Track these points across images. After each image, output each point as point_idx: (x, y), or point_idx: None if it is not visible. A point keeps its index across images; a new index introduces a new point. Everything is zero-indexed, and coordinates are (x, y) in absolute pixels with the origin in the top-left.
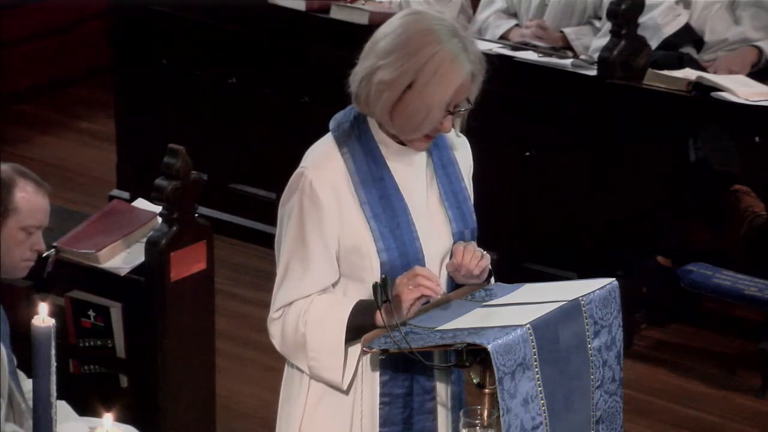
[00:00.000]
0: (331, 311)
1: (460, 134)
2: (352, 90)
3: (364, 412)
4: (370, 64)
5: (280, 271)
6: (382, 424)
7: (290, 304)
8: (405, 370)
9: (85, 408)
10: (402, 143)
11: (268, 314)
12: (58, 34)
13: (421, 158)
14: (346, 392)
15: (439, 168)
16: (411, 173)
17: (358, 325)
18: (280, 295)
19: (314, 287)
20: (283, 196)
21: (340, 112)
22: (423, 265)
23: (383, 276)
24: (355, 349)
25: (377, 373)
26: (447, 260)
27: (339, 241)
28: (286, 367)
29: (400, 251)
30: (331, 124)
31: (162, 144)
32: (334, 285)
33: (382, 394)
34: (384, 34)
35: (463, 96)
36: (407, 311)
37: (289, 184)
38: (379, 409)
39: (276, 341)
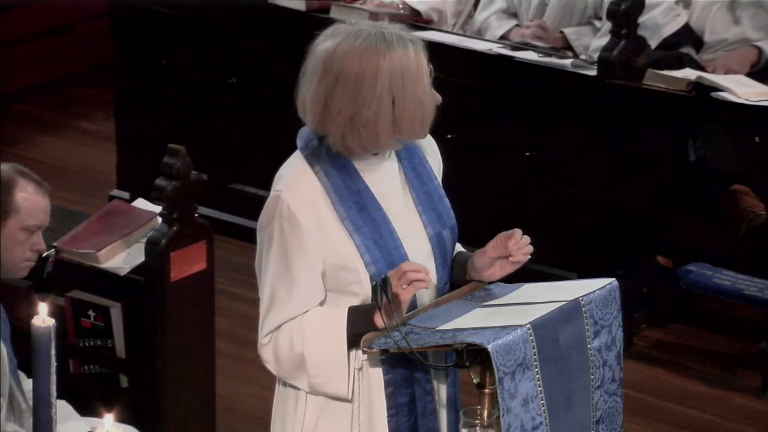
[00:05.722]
0: (326, 325)
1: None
2: (336, 146)
3: (362, 425)
4: (345, 113)
5: (264, 297)
6: None
7: (278, 327)
8: (406, 377)
9: (85, 408)
10: (374, 153)
11: (258, 341)
12: (58, 33)
13: (392, 165)
14: (346, 405)
15: (410, 171)
16: (385, 181)
17: (358, 332)
18: (267, 321)
19: (301, 309)
20: (261, 220)
21: (305, 128)
22: None
23: (383, 276)
24: (353, 356)
25: (375, 384)
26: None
27: (324, 260)
28: (277, 386)
29: (387, 262)
30: (299, 142)
31: (162, 144)
32: (321, 303)
33: (389, 407)
34: (331, 84)
35: (429, 66)
36: (406, 311)
37: (265, 207)
38: (388, 421)
39: (271, 366)
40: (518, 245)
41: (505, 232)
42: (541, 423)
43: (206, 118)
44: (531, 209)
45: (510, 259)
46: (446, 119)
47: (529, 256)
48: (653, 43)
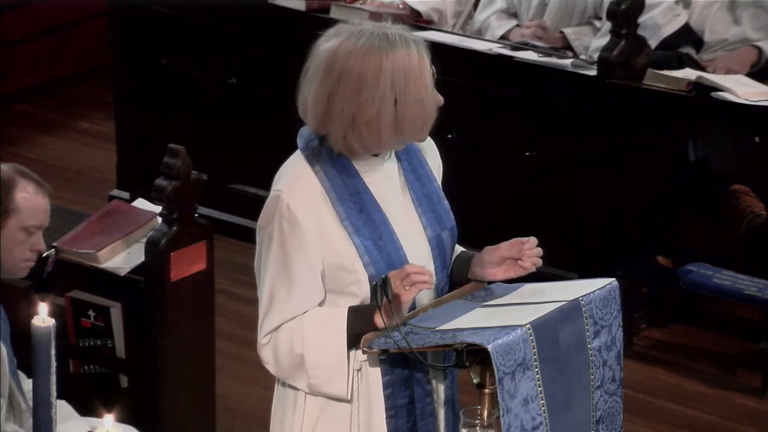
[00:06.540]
0: (326, 325)
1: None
2: (338, 146)
3: (361, 426)
4: (347, 112)
5: (264, 297)
6: None
7: (278, 327)
8: (405, 379)
9: (85, 408)
10: (374, 154)
11: (257, 341)
12: (58, 34)
13: (392, 166)
14: (345, 406)
15: (410, 173)
16: (384, 182)
17: (358, 332)
18: (267, 321)
19: (300, 309)
20: (260, 220)
21: (305, 128)
22: None
23: (383, 276)
24: (353, 357)
25: (374, 385)
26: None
27: (323, 260)
28: (276, 386)
29: (387, 263)
30: (299, 142)
31: (162, 144)
32: (320, 304)
33: (387, 408)
34: (333, 84)
35: (432, 67)
36: (407, 312)
37: (265, 207)
38: (386, 423)
39: (270, 366)
40: (531, 252)
41: (522, 238)
42: (541, 423)
43: (206, 118)
44: (531, 209)
45: (519, 262)
46: (446, 119)
47: (535, 269)
48: (653, 43)
